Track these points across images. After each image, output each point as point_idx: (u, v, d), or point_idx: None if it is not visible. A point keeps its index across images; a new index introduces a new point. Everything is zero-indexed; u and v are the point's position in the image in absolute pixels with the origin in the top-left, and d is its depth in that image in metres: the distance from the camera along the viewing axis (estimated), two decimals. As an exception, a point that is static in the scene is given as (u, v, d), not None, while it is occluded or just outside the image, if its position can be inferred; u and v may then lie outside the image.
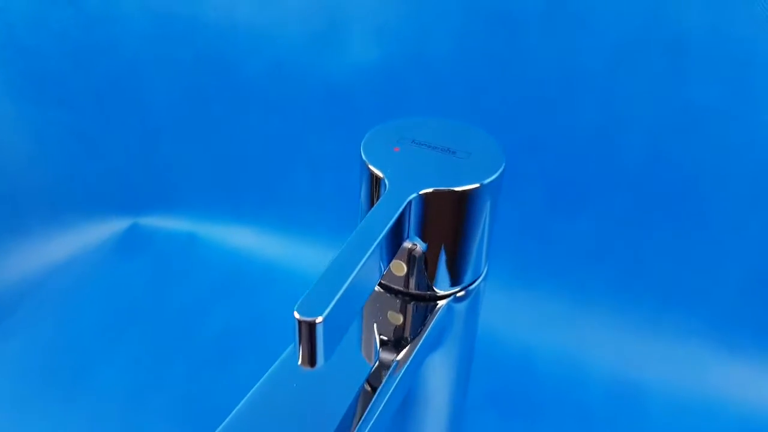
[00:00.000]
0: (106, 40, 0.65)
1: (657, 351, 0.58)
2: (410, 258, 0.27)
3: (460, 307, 0.28)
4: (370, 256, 0.21)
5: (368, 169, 0.26)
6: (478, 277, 0.29)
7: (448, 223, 0.26)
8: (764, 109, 0.50)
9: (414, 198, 0.25)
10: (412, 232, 0.25)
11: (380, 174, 0.25)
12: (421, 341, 0.26)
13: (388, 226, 0.22)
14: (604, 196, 0.58)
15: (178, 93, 0.67)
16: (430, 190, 0.25)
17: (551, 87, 0.55)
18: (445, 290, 0.28)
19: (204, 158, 0.70)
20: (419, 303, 0.28)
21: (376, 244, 0.22)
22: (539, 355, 0.59)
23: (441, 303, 0.28)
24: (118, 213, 0.73)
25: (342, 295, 0.20)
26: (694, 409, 0.55)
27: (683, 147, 0.54)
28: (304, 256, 0.68)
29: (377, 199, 0.26)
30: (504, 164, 0.26)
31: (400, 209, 0.23)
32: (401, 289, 0.27)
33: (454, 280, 0.28)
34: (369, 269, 0.21)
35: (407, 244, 0.26)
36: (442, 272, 0.27)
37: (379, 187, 0.25)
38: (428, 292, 0.28)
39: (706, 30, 0.49)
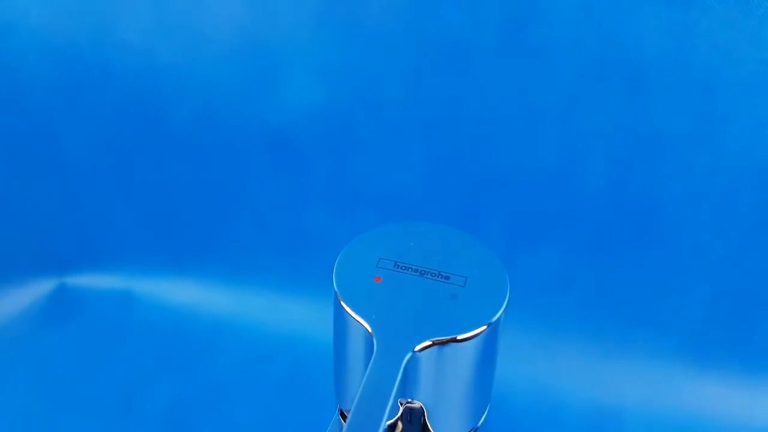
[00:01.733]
0: (10, 91, 0.59)
1: (630, 374, 0.58)
2: (405, 414, 0.23)
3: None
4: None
5: (346, 313, 0.22)
6: (482, 417, 0.25)
7: (450, 374, 0.22)
8: (726, 133, 0.50)
9: (409, 357, 0.20)
10: (408, 390, 0.21)
11: (365, 325, 0.21)
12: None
13: (389, 405, 0.18)
14: (567, 225, 0.56)
15: (97, 144, 0.61)
16: (427, 343, 0.21)
17: (509, 120, 0.53)
18: None
19: (134, 209, 0.65)
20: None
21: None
22: (512, 391, 0.57)
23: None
24: (42, 273, 0.67)
25: None
26: (671, 429, 0.54)
27: (646, 173, 0.52)
28: (254, 305, 0.63)
29: (361, 353, 0.22)
30: (509, 288, 0.22)
31: (398, 379, 0.19)
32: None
33: (457, 429, 0.24)
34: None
35: (401, 401, 0.22)
36: (442, 425, 0.23)
37: (361, 337, 0.21)
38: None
39: (667, 56, 0.48)
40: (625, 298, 0.58)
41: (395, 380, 0.19)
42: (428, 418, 0.22)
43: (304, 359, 0.60)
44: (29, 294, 0.66)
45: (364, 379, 0.19)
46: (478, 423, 0.24)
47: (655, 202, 0.53)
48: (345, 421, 0.24)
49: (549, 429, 0.54)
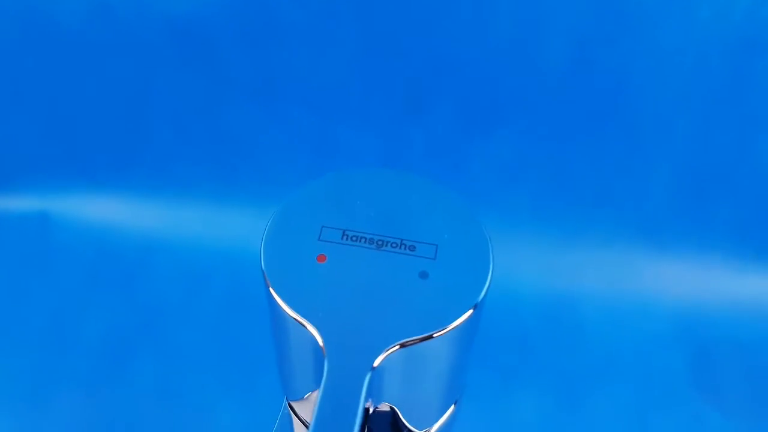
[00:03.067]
0: None
1: (586, 260, 0.56)
2: (368, 415, 0.18)
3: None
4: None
5: (282, 310, 0.16)
6: (456, 402, 0.21)
7: (423, 372, 0.17)
8: (696, 8, 0.46)
9: (372, 370, 0.16)
10: (374, 396, 0.17)
11: (310, 330, 0.16)
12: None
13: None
14: (523, 110, 0.51)
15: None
16: (394, 347, 0.16)
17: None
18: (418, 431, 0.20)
19: (36, 123, 0.57)
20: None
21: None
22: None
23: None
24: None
25: None
26: (629, 313, 0.54)
27: (610, 50, 0.47)
28: (184, 218, 0.57)
29: (308, 356, 0.17)
30: (491, 255, 0.17)
31: (360, 404, 0.15)
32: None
33: (428, 422, 0.20)
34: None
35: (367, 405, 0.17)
36: (415, 419, 0.19)
37: (305, 340, 0.16)
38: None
39: None
40: (583, 183, 0.55)
41: (357, 407, 0.14)
42: (401, 416, 0.18)
43: (244, 274, 0.55)
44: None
45: (317, 406, 0.14)
46: (445, 412, 0.20)
47: (617, 82, 0.49)
48: (294, 413, 0.20)
49: (506, 319, 0.52)
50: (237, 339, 0.51)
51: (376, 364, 0.15)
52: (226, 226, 0.57)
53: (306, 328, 0.16)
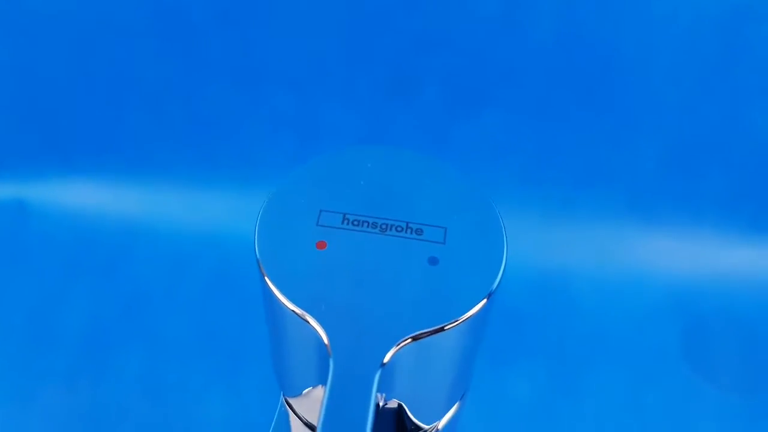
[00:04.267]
0: None
1: (577, 235, 0.55)
2: (378, 410, 0.17)
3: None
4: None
5: (280, 302, 0.15)
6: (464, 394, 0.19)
7: (432, 364, 0.16)
8: None
9: (382, 367, 0.14)
10: (381, 391, 0.16)
11: (312, 324, 0.15)
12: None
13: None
14: (511, 85, 0.50)
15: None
16: (404, 343, 0.14)
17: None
18: (425, 426, 0.19)
19: (7, 106, 0.55)
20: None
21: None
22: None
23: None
24: None
25: None
26: (620, 287, 0.53)
27: (598, 21, 0.46)
28: (166, 203, 0.56)
29: (309, 351, 0.15)
30: (505, 236, 0.16)
31: (370, 408, 0.13)
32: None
33: (436, 415, 0.18)
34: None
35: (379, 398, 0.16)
36: (424, 413, 0.18)
37: (306, 334, 0.15)
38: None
39: None
40: (572, 157, 0.54)
41: (368, 407, 0.13)
42: (408, 412, 0.17)
43: (227, 257, 0.54)
44: None
45: (323, 409, 0.13)
46: (454, 403, 0.19)
47: (607, 54, 0.48)
48: (292, 411, 0.19)
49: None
50: (223, 325, 0.50)
51: (386, 360, 0.14)
52: (207, 209, 0.56)
53: (308, 322, 0.14)
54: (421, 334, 0.14)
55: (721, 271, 0.54)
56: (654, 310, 0.53)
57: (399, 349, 0.14)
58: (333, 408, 0.13)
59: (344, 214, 0.16)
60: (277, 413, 0.19)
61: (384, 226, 0.16)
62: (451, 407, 0.19)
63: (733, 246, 0.54)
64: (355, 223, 0.16)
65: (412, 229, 0.16)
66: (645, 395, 0.48)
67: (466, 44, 0.48)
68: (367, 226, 0.16)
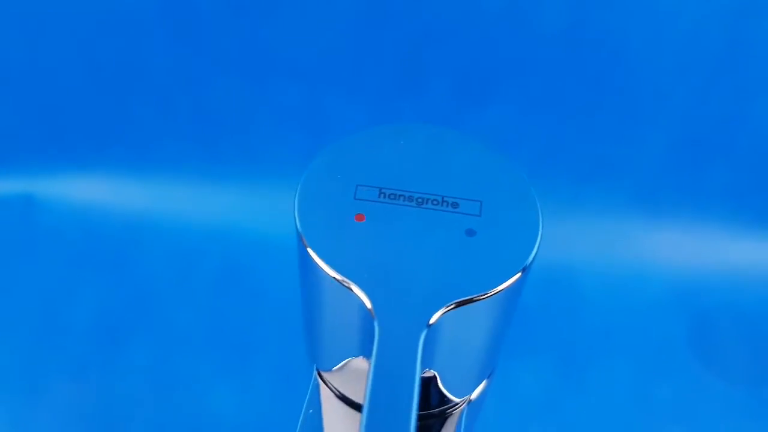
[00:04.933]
0: None
1: (582, 229, 0.55)
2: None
3: (472, 405, 0.20)
4: None
5: (324, 272, 0.15)
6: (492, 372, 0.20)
7: (470, 334, 0.16)
8: None
9: (425, 333, 0.15)
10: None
11: (357, 293, 0.15)
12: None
13: (413, 407, 0.13)
14: (518, 78, 0.50)
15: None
16: (447, 307, 0.15)
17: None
18: (457, 399, 0.19)
19: (14, 101, 0.55)
20: (428, 421, 0.19)
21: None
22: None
23: (454, 411, 0.19)
24: None
25: None
26: (626, 281, 0.54)
27: (606, 15, 0.46)
28: (173, 198, 0.56)
29: (350, 320, 0.16)
30: (539, 208, 0.16)
31: (417, 370, 0.14)
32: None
33: (467, 389, 0.19)
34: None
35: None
36: (456, 386, 0.18)
37: (349, 303, 0.15)
38: (437, 409, 0.19)
39: None
40: (578, 151, 0.54)
41: (414, 367, 0.13)
42: (440, 383, 0.17)
43: (235, 250, 0.54)
44: None
45: (370, 375, 0.13)
46: (487, 376, 0.19)
47: (614, 48, 0.48)
48: (326, 385, 0.19)
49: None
50: (231, 318, 0.50)
51: (432, 321, 0.14)
52: (215, 204, 0.56)
53: (351, 289, 0.15)
54: (467, 300, 0.14)
55: (728, 265, 0.54)
56: (660, 303, 0.53)
57: (445, 312, 0.14)
58: (381, 369, 0.13)
59: (380, 189, 0.17)
60: (310, 388, 0.19)
61: (420, 200, 0.17)
62: (480, 383, 0.19)
63: (739, 240, 0.54)
64: (392, 196, 0.17)
65: (447, 202, 0.17)
66: (651, 389, 0.48)
67: (472, 37, 0.49)
68: (404, 200, 0.17)
